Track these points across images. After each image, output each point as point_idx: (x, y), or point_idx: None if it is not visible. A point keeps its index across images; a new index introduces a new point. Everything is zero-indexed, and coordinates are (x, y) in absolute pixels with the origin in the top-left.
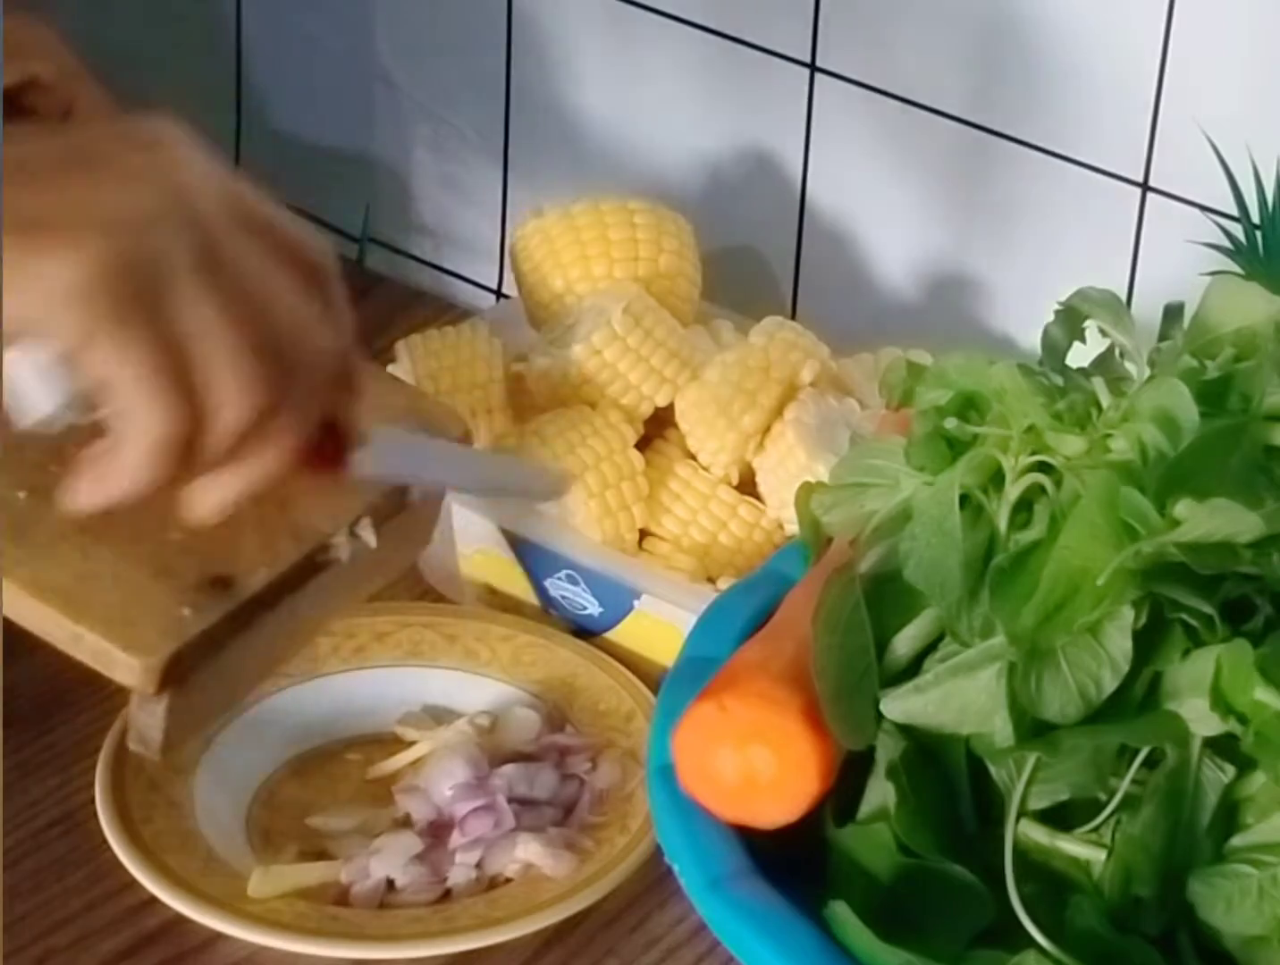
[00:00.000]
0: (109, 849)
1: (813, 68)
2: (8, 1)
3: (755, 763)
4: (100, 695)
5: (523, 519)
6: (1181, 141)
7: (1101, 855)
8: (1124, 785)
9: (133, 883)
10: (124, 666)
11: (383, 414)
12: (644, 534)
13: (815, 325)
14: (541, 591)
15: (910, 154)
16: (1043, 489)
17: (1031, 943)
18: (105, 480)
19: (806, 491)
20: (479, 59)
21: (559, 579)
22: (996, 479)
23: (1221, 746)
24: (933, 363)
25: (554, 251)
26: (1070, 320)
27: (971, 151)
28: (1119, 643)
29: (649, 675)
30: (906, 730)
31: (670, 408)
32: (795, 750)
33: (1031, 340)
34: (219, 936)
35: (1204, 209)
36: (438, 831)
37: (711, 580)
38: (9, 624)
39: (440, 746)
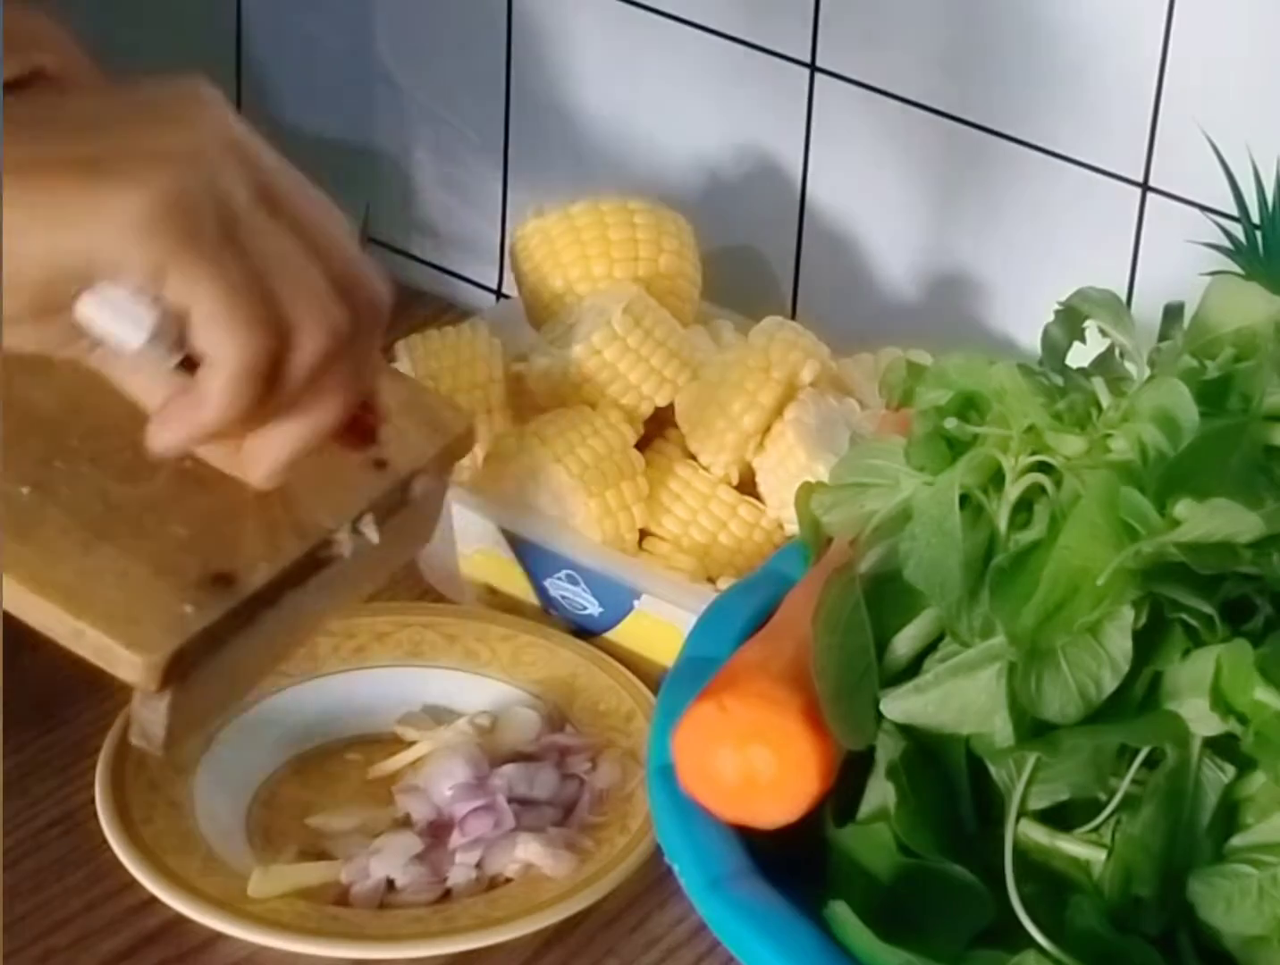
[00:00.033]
0: (109, 849)
1: (813, 68)
2: None
3: (755, 763)
4: (100, 695)
5: (523, 519)
6: (1181, 141)
7: (1101, 855)
8: (1124, 785)
9: (133, 883)
10: (126, 663)
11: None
12: (644, 534)
13: (815, 325)
14: (541, 591)
15: (910, 154)
16: (1043, 489)
17: (1031, 943)
18: (191, 414)
19: (806, 491)
20: (479, 59)
21: (559, 579)
22: (996, 479)
23: (1221, 746)
24: (933, 363)
25: (554, 251)
26: (1070, 320)
27: (972, 152)
28: (1119, 643)
29: (649, 675)
30: (906, 730)
31: (670, 408)
32: (795, 750)
33: (1031, 340)
34: (219, 936)
35: (1204, 209)
36: (438, 831)
37: (711, 580)
38: (9, 624)
39: (440, 746)
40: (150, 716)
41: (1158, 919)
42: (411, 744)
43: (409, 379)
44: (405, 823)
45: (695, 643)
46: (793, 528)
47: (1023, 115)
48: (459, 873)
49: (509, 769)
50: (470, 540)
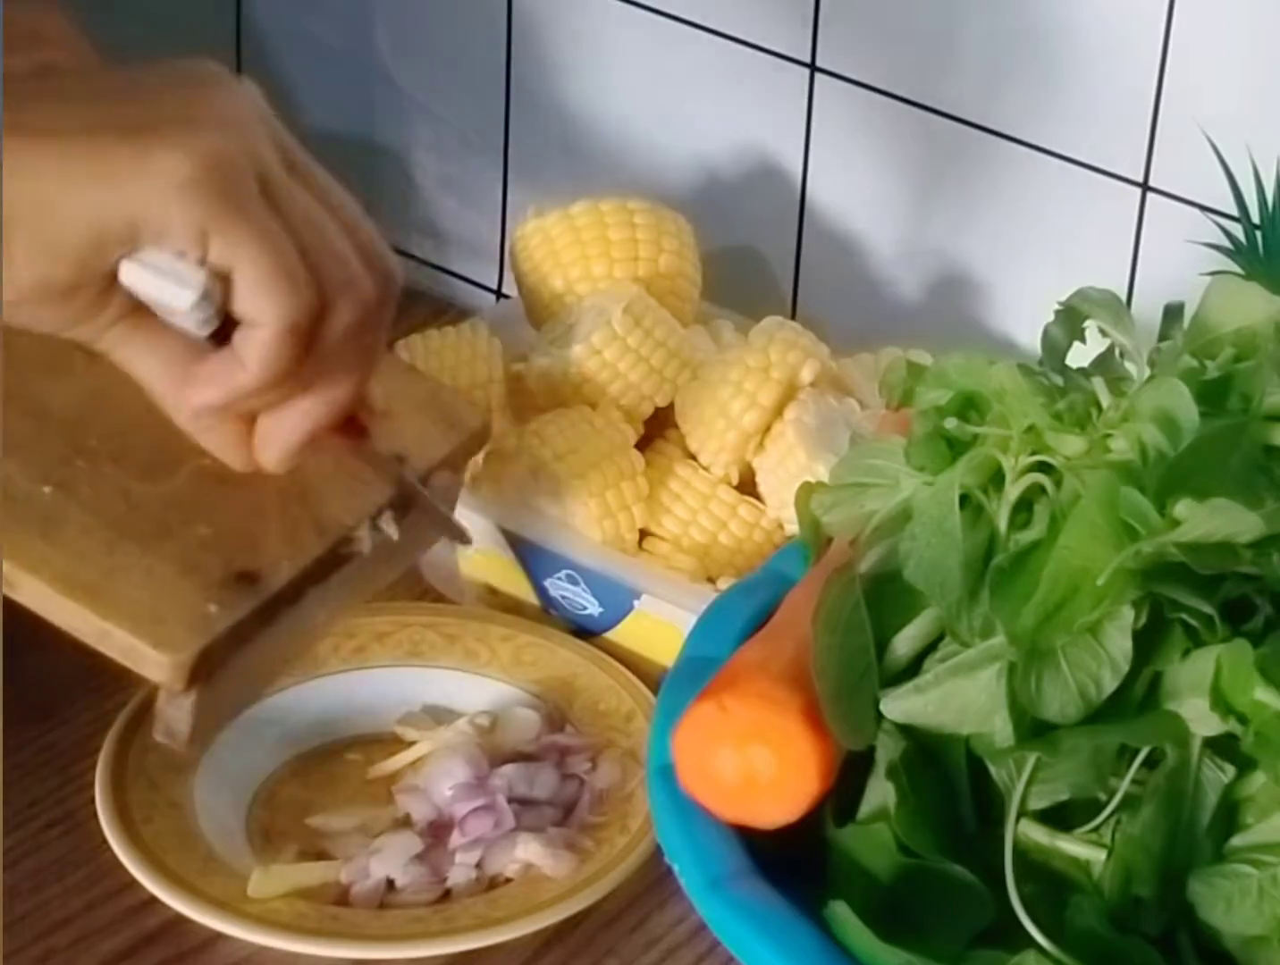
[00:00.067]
0: (109, 849)
1: (813, 68)
2: None
3: (755, 763)
4: (100, 695)
5: (523, 519)
6: (1181, 141)
7: (1101, 855)
8: (1124, 785)
9: (133, 883)
10: (153, 663)
11: (401, 404)
12: (644, 534)
13: (815, 325)
14: (541, 591)
15: (910, 154)
16: (1043, 489)
17: (1031, 943)
18: (230, 376)
19: (806, 491)
20: (479, 59)
21: (559, 579)
22: (996, 479)
23: (1221, 746)
24: (933, 363)
25: (554, 251)
26: (1070, 320)
27: (971, 152)
28: (1119, 643)
29: (649, 675)
30: (906, 730)
31: (670, 408)
32: (795, 750)
33: (1031, 340)
34: (219, 936)
35: (1204, 209)
36: (438, 831)
37: (711, 580)
38: (9, 624)
39: (440, 746)
40: (175, 714)
41: (1158, 919)
42: (411, 744)
43: (425, 376)
44: (405, 823)
45: (695, 643)
46: (793, 528)
47: (1023, 115)
48: (459, 873)
49: (509, 769)
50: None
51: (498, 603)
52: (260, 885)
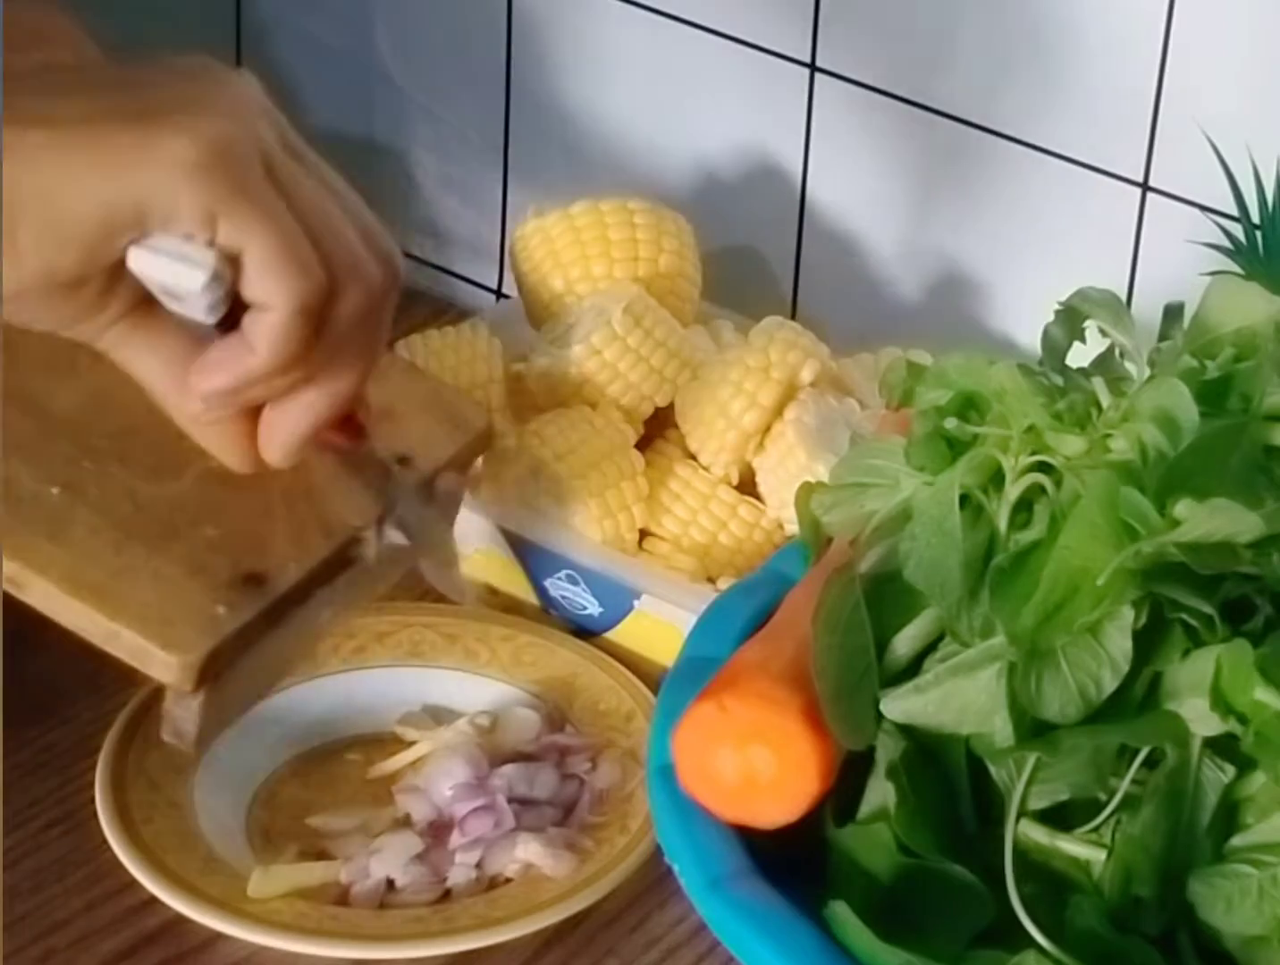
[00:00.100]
0: (109, 849)
1: (813, 68)
2: None
3: (755, 763)
4: (100, 695)
5: (523, 519)
6: (1181, 141)
7: (1101, 855)
8: (1124, 785)
9: (133, 883)
10: (162, 664)
11: (407, 404)
12: (644, 534)
13: (815, 325)
14: (541, 591)
15: (910, 154)
16: (1043, 489)
17: (1031, 943)
18: (239, 361)
19: (806, 491)
20: (479, 59)
21: (559, 579)
22: (996, 479)
23: (1221, 746)
24: (933, 363)
25: (554, 251)
26: (1070, 320)
27: (972, 152)
28: (1119, 643)
29: (649, 675)
30: (906, 730)
31: (670, 408)
32: (795, 750)
33: (1031, 340)
34: (219, 936)
35: (1204, 209)
36: (438, 831)
37: (711, 580)
38: (9, 624)
39: (440, 746)
40: (183, 715)
41: (1158, 919)
42: (411, 744)
43: (429, 376)
44: (405, 823)
45: (695, 643)
46: (793, 528)
47: (1022, 115)
48: (459, 873)
49: (509, 769)
50: (470, 540)
51: (498, 603)
52: (260, 885)
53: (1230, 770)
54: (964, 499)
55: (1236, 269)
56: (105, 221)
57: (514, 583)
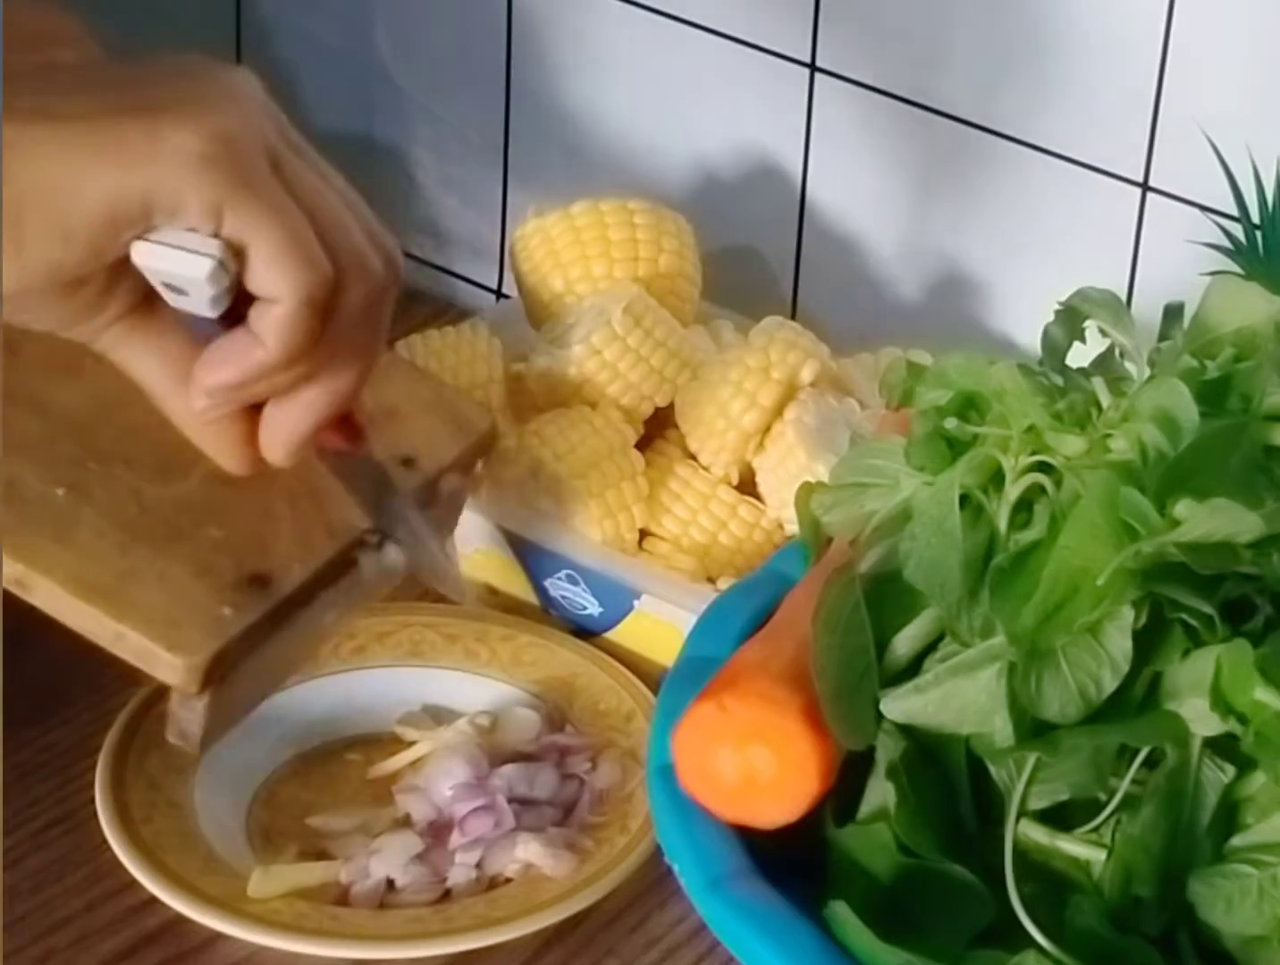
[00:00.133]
0: (109, 849)
1: (813, 68)
2: None
3: (755, 763)
4: (100, 695)
5: (523, 519)
6: (1181, 141)
7: (1101, 855)
8: (1124, 785)
9: (133, 883)
10: (167, 666)
11: (411, 406)
12: (644, 534)
13: (815, 325)
14: (541, 591)
15: (910, 154)
16: (1043, 489)
17: (1031, 943)
18: (245, 354)
19: (806, 491)
20: (479, 59)
21: (559, 579)
22: (996, 479)
23: (1221, 746)
24: (933, 363)
25: (554, 251)
26: (1070, 320)
27: (971, 151)
28: (1119, 643)
29: (649, 675)
30: (906, 730)
31: (670, 408)
32: (795, 750)
33: (1031, 340)
34: (219, 936)
35: (1204, 209)
36: (438, 831)
37: (711, 580)
38: (9, 624)
39: (440, 746)
40: (188, 716)
41: (1158, 919)
42: (411, 744)
43: (433, 377)
44: (405, 823)
45: (695, 643)
46: (793, 528)
47: (1023, 115)
48: (459, 873)
49: (509, 769)
50: (470, 540)
51: (498, 603)
52: (260, 885)
53: (1230, 770)
54: (964, 499)
55: (1236, 269)
56: (110, 215)
57: (514, 583)
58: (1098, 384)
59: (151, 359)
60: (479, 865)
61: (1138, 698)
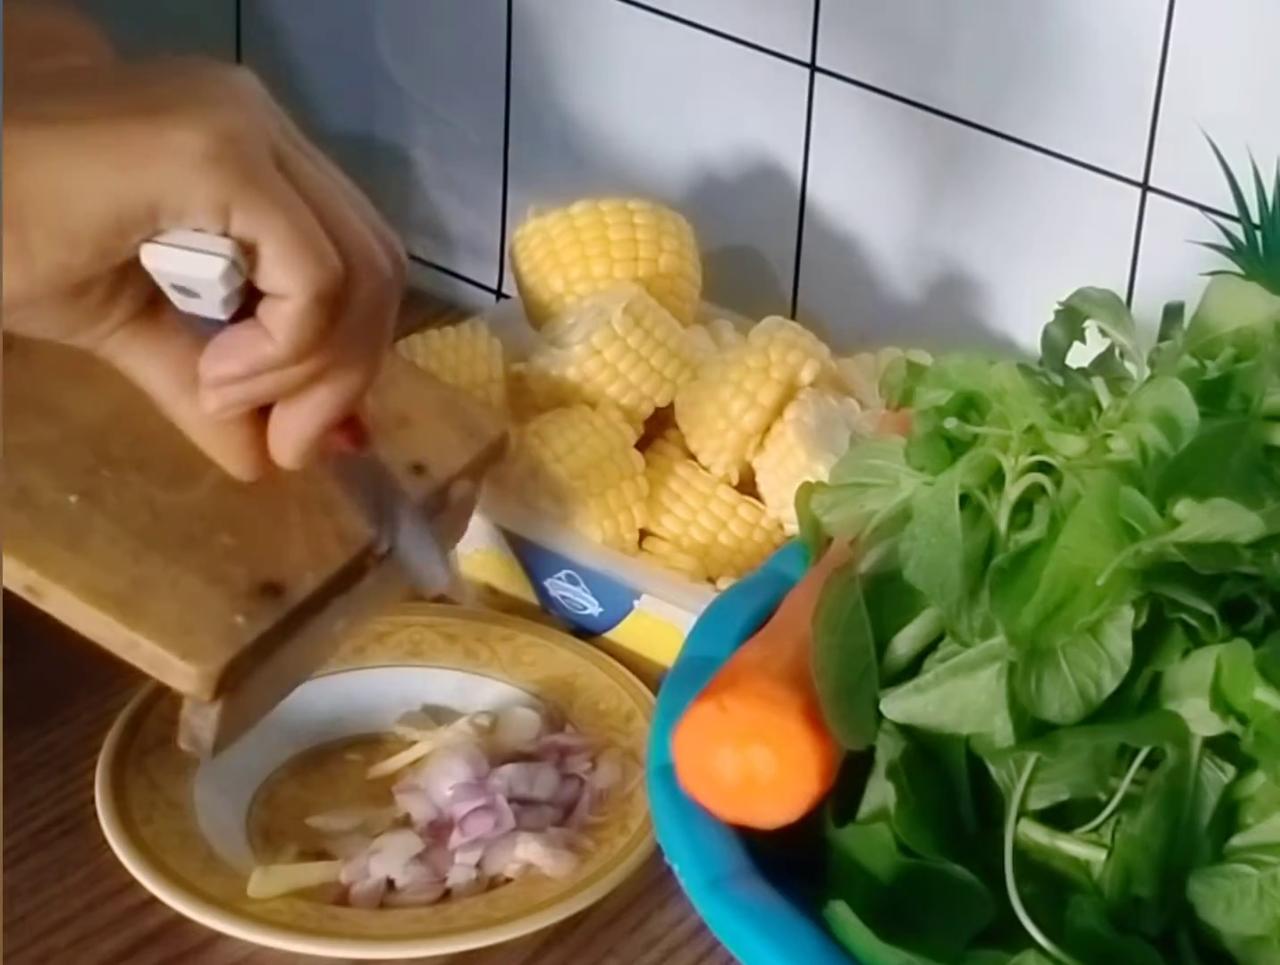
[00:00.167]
0: (109, 849)
1: (813, 68)
2: None
3: (755, 763)
4: (100, 695)
5: (523, 519)
6: (1181, 141)
7: (1101, 855)
8: (1124, 785)
9: (133, 883)
10: (181, 674)
11: (423, 412)
12: (644, 534)
13: (815, 325)
14: (541, 591)
15: (910, 154)
16: (1043, 489)
17: (1031, 943)
18: (254, 348)
19: (806, 491)
20: (479, 59)
21: (559, 579)
22: (996, 479)
23: (1221, 746)
24: (933, 363)
25: (554, 251)
26: (1070, 320)
27: (972, 152)
28: (1119, 643)
29: (649, 675)
30: (906, 730)
31: (670, 408)
32: (795, 750)
33: (1031, 340)
34: (219, 936)
35: (1204, 209)
36: (438, 831)
37: (711, 580)
38: (9, 624)
39: (440, 746)
40: (201, 723)
41: (1158, 919)
42: (411, 744)
43: (444, 383)
44: (405, 823)
45: (695, 643)
46: (793, 528)
47: (1023, 115)
48: (459, 873)
49: (509, 769)
50: (470, 540)
51: (498, 603)
52: (260, 885)
53: (1230, 770)
54: (964, 499)
55: (1236, 269)
56: (117, 218)
57: (514, 583)
58: (1098, 384)
59: (156, 364)
60: (479, 865)
61: (1138, 698)
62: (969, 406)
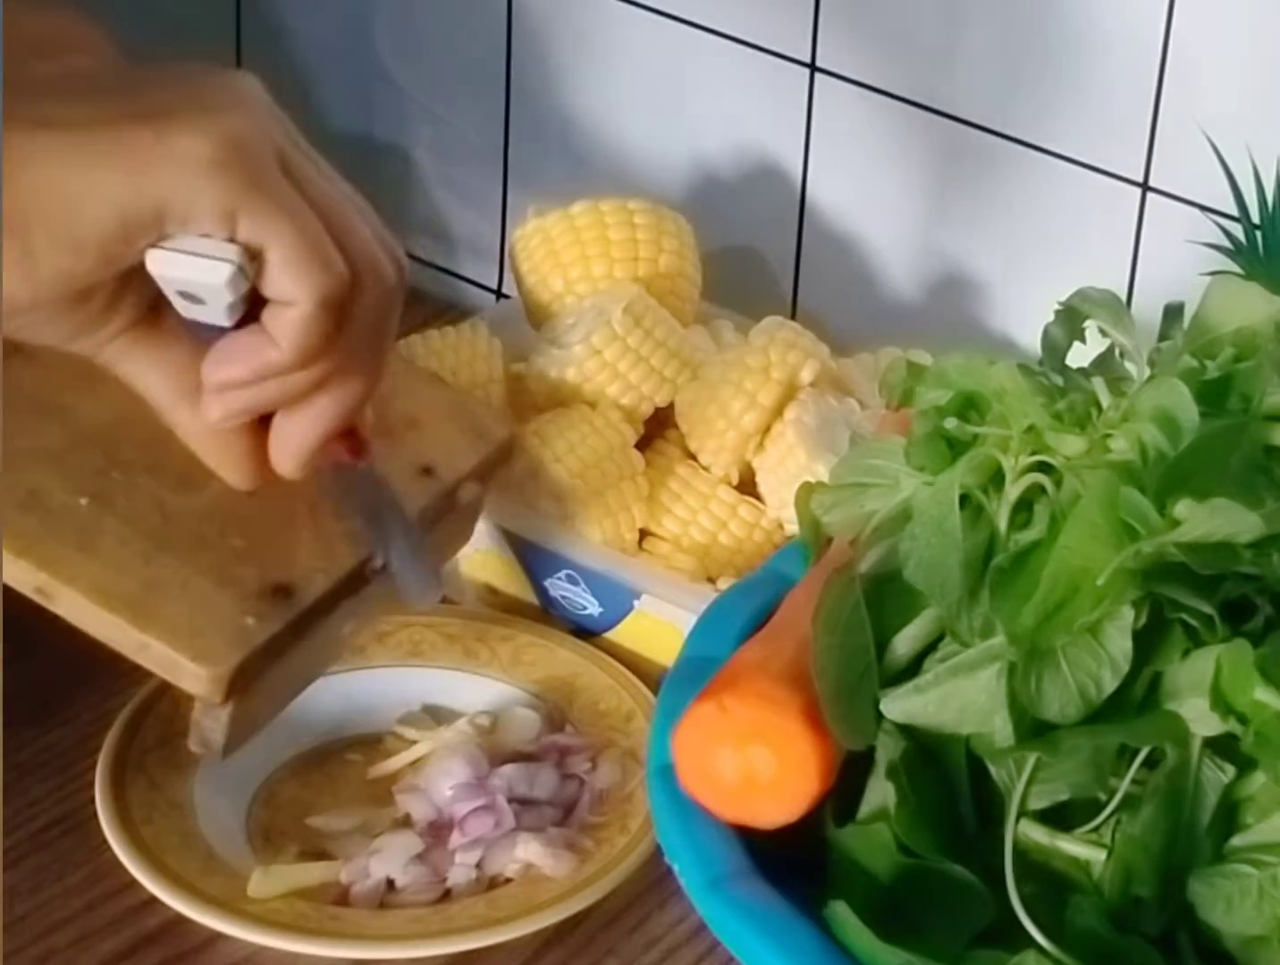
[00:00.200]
0: (109, 849)
1: (813, 68)
2: None
3: (755, 763)
4: (100, 695)
5: (523, 519)
6: (1181, 141)
7: (1101, 855)
8: (1124, 785)
9: (133, 883)
10: (192, 676)
11: (431, 415)
12: (644, 534)
13: (815, 325)
14: (541, 591)
15: (910, 154)
16: (1043, 489)
17: (1031, 943)
18: (259, 353)
19: (806, 491)
20: (479, 59)
21: (559, 579)
22: (996, 479)
23: (1221, 746)
24: (933, 363)
25: (554, 251)
26: (1070, 320)
27: (971, 152)
28: (1119, 643)
29: (649, 675)
30: (906, 730)
31: (670, 408)
32: (795, 750)
33: (1031, 340)
34: (219, 936)
35: (1204, 209)
36: (438, 831)
37: (711, 580)
38: (9, 624)
39: (440, 746)
40: (211, 725)
41: (1158, 919)
42: (411, 744)
43: (452, 386)
44: (405, 823)
45: (695, 643)
46: (793, 528)
47: (1023, 115)
48: (459, 873)
49: (509, 769)
50: (470, 540)
51: (498, 603)
52: (260, 885)
53: (1230, 770)
54: (964, 499)
55: (1236, 269)
56: (122, 223)
57: (514, 583)
58: (1098, 384)
59: (155, 371)
60: (479, 865)
61: (1138, 698)
62: (969, 406)
